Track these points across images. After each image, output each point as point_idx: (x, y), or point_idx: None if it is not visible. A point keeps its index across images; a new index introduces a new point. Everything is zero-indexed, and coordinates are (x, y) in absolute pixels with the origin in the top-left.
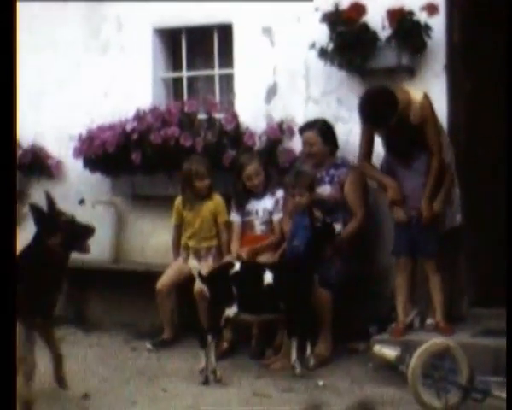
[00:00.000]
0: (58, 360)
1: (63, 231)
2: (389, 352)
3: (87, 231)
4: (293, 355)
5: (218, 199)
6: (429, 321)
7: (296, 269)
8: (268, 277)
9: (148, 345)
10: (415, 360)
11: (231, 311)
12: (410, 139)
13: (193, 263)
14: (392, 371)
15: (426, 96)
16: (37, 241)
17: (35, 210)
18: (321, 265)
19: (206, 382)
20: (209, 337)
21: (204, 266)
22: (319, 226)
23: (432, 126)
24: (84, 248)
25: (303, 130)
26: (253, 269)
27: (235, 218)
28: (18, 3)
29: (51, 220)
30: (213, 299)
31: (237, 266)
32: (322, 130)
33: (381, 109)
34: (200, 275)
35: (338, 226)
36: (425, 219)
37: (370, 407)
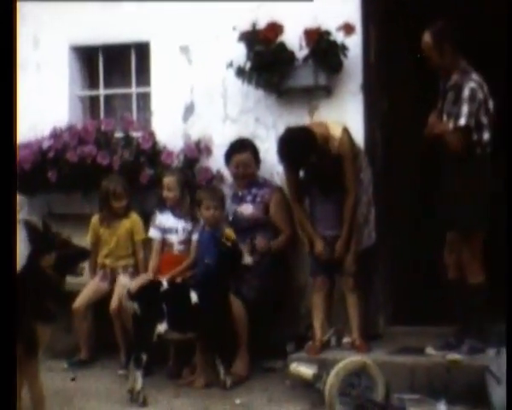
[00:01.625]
0: (38, 404)
1: (58, 252)
2: (306, 370)
3: (82, 253)
4: (222, 371)
5: (134, 217)
6: (346, 339)
7: (210, 287)
8: (194, 296)
9: (65, 365)
10: (332, 378)
11: (162, 327)
12: (328, 172)
13: (123, 281)
14: (309, 389)
15: (345, 131)
16: (31, 261)
17: (30, 227)
18: (233, 283)
19: (143, 402)
20: (143, 356)
21: (133, 284)
22: (228, 246)
23: (349, 164)
24: (77, 272)
25: (235, 151)
26: (179, 288)
27: (154, 234)
28: (18, 3)
29: (46, 239)
30: (144, 316)
31: (165, 284)
32: (255, 151)
33: (298, 151)
34: (129, 293)
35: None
36: (338, 258)
37: None
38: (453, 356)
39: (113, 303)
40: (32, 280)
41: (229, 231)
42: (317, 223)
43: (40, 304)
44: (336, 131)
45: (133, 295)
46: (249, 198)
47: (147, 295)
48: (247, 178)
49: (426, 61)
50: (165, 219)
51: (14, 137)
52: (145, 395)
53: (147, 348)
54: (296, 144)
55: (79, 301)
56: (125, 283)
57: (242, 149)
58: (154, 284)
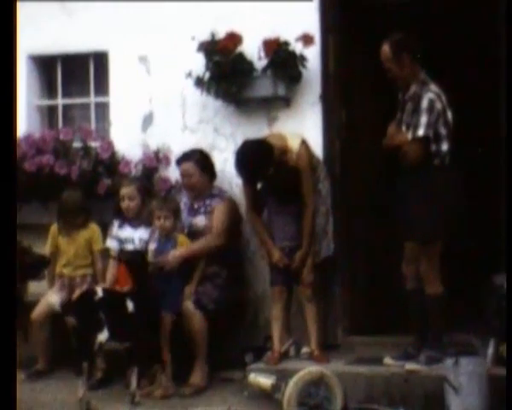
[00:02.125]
0: None
1: (18, 259)
2: (265, 380)
3: (43, 261)
4: (133, 383)
5: (93, 227)
6: (304, 350)
7: (146, 297)
8: (130, 305)
9: (22, 376)
10: (290, 388)
11: (103, 336)
12: (286, 184)
13: (52, 298)
14: (267, 400)
15: (303, 144)
16: None
17: None
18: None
19: None
20: (84, 365)
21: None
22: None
23: (307, 178)
24: (39, 277)
25: (180, 161)
26: (115, 297)
27: (111, 244)
28: (18, 3)
29: None
30: (81, 327)
31: (100, 292)
32: (200, 161)
33: (256, 164)
34: (62, 307)
35: None
36: (296, 268)
37: None
38: (411, 366)
39: (35, 315)
40: None
41: (182, 238)
42: (275, 233)
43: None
44: (294, 144)
45: (66, 309)
46: (203, 210)
47: (82, 306)
48: (191, 189)
49: (385, 72)
50: (123, 229)
51: (14, 137)
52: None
53: (87, 357)
54: (253, 157)
55: (37, 312)
56: (55, 301)
57: (185, 158)
58: (88, 295)
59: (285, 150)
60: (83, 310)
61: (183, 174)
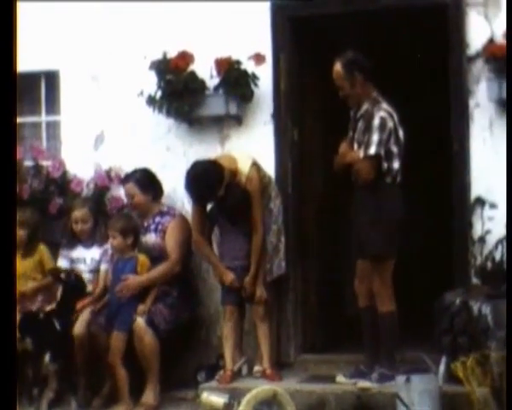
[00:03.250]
0: None
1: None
2: (217, 399)
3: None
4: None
5: (42, 248)
6: (257, 368)
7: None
8: (56, 324)
9: None
10: (243, 407)
11: (47, 357)
12: (236, 205)
13: None
14: None
15: (253, 166)
16: None
17: None
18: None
19: None
20: (34, 391)
21: None
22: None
23: (257, 202)
24: None
25: (123, 181)
26: (47, 317)
27: (62, 264)
28: (18, 3)
29: None
30: (36, 349)
31: (41, 314)
32: (141, 180)
33: (205, 186)
34: (20, 330)
35: None
36: (247, 296)
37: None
38: (363, 384)
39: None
40: None
41: (143, 259)
42: (225, 252)
43: None
44: (245, 166)
45: (22, 331)
46: (153, 227)
47: (31, 327)
48: (135, 208)
49: (336, 90)
50: (74, 249)
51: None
52: None
53: (38, 381)
54: (203, 178)
55: None
56: None
57: (125, 180)
58: (31, 315)
59: (235, 172)
60: (32, 330)
61: (126, 195)
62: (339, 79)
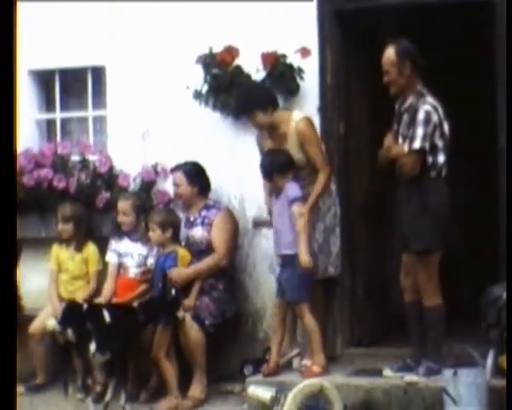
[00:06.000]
0: None
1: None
2: (264, 393)
3: None
4: (109, 394)
5: (89, 247)
6: (304, 361)
7: (130, 312)
8: (106, 316)
9: (22, 389)
10: (289, 401)
11: (92, 347)
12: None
13: (49, 322)
14: None
15: (305, 119)
16: None
17: None
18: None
19: None
20: (89, 382)
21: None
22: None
23: (312, 145)
24: None
25: (172, 171)
26: (95, 308)
27: (111, 258)
28: (18, 3)
29: None
30: (78, 340)
31: (85, 305)
32: (189, 171)
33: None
34: (59, 321)
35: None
36: (298, 225)
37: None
38: (410, 378)
39: (33, 329)
40: None
41: (183, 252)
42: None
43: None
44: (297, 118)
45: (63, 321)
46: (199, 221)
47: (74, 318)
48: (179, 198)
49: (381, 81)
50: (122, 243)
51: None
52: None
53: (89, 371)
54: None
55: (35, 326)
56: (52, 323)
57: (174, 169)
58: (75, 306)
59: (288, 122)
60: (76, 323)
61: (173, 183)
62: (388, 64)
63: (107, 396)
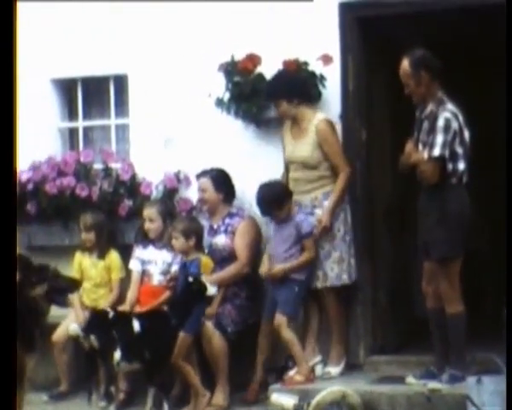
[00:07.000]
0: None
1: (50, 282)
2: (287, 400)
3: (73, 284)
4: (149, 403)
5: (112, 255)
6: (327, 369)
7: (161, 319)
8: (136, 325)
9: (45, 397)
10: (312, 409)
11: (118, 355)
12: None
13: (72, 327)
14: None
15: (326, 120)
16: (21, 291)
17: (22, 260)
18: (187, 318)
19: None
20: (112, 389)
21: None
22: (191, 282)
23: (331, 146)
24: (64, 303)
25: (198, 176)
26: (123, 317)
27: (134, 266)
28: (18, 3)
29: (38, 271)
30: (102, 347)
31: (111, 312)
32: (215, 177)
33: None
34: (83, 328)
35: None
36: (323, 228)
37: None
38: (434, 385)
39: (56, 336)
40: (21, 309)
41: (206, 260)
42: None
43: (28, 333)
44: (319, 117)
45: (87, 329)
46: (223, 229)
47: (99, 325)
48: (204, 204)
49: (402, 88)
50: (146, 250)
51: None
52: None
53: (112, 379)
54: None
55: (59, 333)
56: (74, 329)
57: (201, 175)
58: (101, 314)
59: (310, 121)
60: (101, 330)
61: (199, 189)
62: (405, 77)
63: (147, 407)
